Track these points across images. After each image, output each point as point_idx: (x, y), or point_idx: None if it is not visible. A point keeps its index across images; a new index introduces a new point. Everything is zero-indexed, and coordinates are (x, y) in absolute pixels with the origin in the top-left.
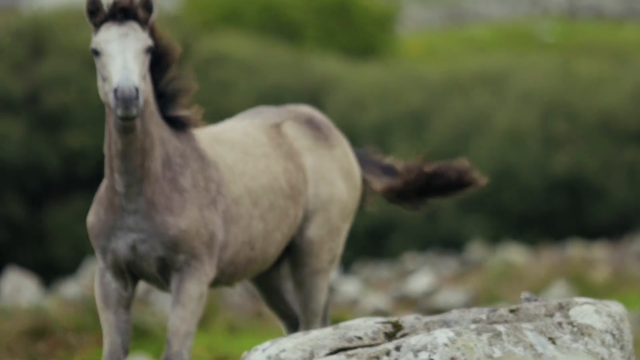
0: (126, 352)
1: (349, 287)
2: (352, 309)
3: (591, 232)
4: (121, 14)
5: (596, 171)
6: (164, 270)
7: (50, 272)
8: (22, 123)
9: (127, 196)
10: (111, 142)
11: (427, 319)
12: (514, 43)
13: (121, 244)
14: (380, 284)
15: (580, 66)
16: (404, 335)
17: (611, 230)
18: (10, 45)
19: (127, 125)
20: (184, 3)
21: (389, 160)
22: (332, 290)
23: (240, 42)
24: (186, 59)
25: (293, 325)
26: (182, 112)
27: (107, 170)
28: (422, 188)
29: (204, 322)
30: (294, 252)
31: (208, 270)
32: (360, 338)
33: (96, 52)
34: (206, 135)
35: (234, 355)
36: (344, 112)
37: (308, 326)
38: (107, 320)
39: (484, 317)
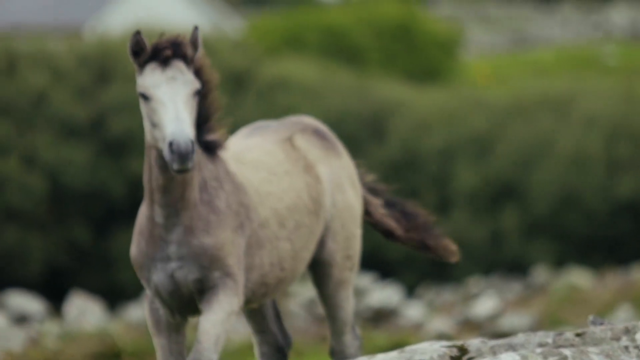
0: None
1: (413, 311)
2: (416, 332)
3: None
4: (167, 54)
5: None
6: (202, 291)
7: (114, 297)
8: (86, 149)
9: (166, 227)
10: (152, 177)
11: (493, 342)
12: (578, 67)
13: (162, 276)
14: (444, 308)
15: None
16: (470, 359)
17: None
18: (75, 70)
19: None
20: (246, 28)
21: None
22: (396, 314)
23: (303, 67)
24: (250, 84)
25: (268, 342)
26: (214, 136)
27: (147, 202)
28: (387, 229)
29: None
30: (316, 266)
31: (239, 292)
32: None
33: (144, 97)
34: (230, 156)
35: None
36: (408, 136)
37: (339, 337)
38: (160, 344)
39: (550, 341)
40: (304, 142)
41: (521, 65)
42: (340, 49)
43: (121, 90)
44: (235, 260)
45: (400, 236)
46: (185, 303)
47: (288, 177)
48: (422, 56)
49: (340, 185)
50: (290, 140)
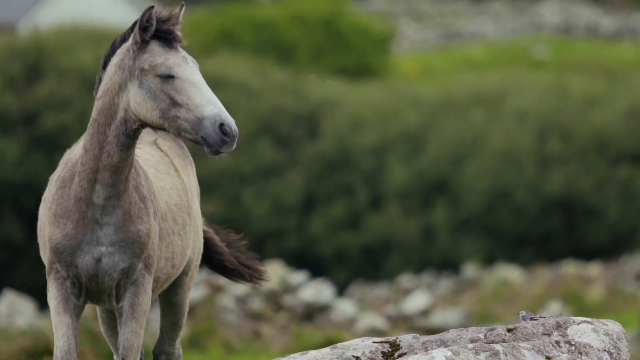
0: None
1: (346, 306)
2: (349, 328)
3: (586, 252)
4: (169, 32)
5: (591, 190)
6: (120, 283)
7: (46, 295)
8: (18, 142)
9: (104, 208)
10: (102, 155)
11: (425, 338)
12: (509, 62)
13: (87, 259)
14: (376, 304)
15: (575, 85)
16: (401, 355)
17: (606, 249)
18: (5, 63)
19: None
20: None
21: None
22: (328, 310)
23: (238, 65)
24: None
25: None
26: None
27: (83, 183)
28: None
29: (200, 342)
30: None
31: (151, 281)
32: (358, 358)
33: (169, 76)
34: None
35: None
36: (342, 133)
37: (173, 340)
38: (64, 322)
39: (481, 336)
40: (167, 148)
41: (452, 60)
42: (273, 45)
43: (54, 85)
44: (154, 250)
45: (219, 249)
46: (100, 290)
47: (169, 177)
48: (353, 52)
49: (193, 194)
50: (156, 144)
